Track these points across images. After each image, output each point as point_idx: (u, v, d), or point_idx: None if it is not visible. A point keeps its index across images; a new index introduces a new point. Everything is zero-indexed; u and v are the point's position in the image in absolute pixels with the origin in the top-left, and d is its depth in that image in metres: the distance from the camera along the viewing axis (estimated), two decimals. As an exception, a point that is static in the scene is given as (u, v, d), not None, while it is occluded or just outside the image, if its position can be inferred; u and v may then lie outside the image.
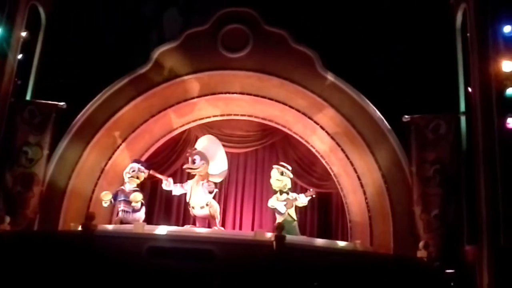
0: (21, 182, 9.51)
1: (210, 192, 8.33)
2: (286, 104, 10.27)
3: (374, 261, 7.63)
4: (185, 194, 9.38)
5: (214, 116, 10.90)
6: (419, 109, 9.58)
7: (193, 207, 8.50)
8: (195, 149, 8.73)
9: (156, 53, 10.25)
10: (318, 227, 10.54)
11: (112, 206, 9.22)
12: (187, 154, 8.70)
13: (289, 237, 6.84)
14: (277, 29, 10.17)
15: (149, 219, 9.38)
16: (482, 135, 8.81)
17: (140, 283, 6.36)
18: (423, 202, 8.95)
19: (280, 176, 9.08)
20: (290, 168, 9.28)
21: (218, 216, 8.68)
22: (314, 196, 9.14)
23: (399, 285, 7.43)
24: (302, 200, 8.95)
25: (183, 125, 10.91)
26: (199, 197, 8.35)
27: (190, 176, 9.11)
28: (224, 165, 8.79)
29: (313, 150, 10.55)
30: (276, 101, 10.31)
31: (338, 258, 7.16)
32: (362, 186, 9.76)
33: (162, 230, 7.61)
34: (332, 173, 10.35)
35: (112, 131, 10.23)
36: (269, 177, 9.99)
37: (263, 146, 10.99)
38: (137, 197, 8.39)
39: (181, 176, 11.03)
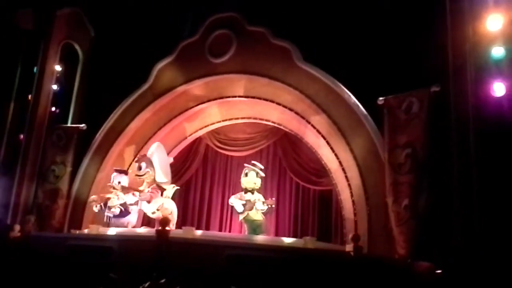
0: (49, 197, 10.88)
1: (148, 201, 8.48)
2: (273, 102, 10.02)
3: (312, 258, 7.02)
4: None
5: (218, 122, 11.12)
6: (406, 88, 8.54)
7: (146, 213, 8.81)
8: (144, 155, 9.03)
9: (156, 69, 10.90)
10: (319, 225, 9.97)
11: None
12: (135, 160, 9.05)
13: (175, 232, 6.79)
14: (257, 28, 10.05)
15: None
16: (454, 110, 7.58)
17: (59, 276, 6.97)
18: (394, 191, 7.94)
19: (256, 178, 8.84)
20: (262, 167, 9.02)
21: (174, 218, 8.80)
22: (273, 206, 8.63)
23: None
24: (260, 206, 8.52)
25: (192, 134, 11.32)
26: (151, 205, 8.60)
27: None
28: (168, 172, 8.88)
29: (309, 146, 10.03)
30: (265, 99, 10.13)
31: (255, 253, 6.80)
32: (347, 179, 8.99)
33: (112, 231, 8.11)
34: (327, 168, 9.72)
35: (126, 146, 11.11)
36: (273, 177, 9.97)
37: (266, 146, 10.84)
38: (114, 203, 8.97)
39: (195, 183, 11.51)
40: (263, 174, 8.95)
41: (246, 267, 6.51)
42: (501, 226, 6.80)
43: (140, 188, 8.70)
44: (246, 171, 8.84)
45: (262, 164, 10.44)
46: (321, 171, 9.88)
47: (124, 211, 9.28)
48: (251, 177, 8.80)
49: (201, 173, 11.43)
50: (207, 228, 10.93)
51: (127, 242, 6.96)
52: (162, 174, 8.64)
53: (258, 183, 8.84)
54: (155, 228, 7.53)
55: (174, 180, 10.82)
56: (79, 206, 10.86)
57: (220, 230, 10.75)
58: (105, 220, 9.34)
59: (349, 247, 6.97)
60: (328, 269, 6.58)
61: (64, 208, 10.76)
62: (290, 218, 10.35)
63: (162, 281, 5.65)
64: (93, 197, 9.43)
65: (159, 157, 8.74)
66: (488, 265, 6.76)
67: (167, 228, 6.67)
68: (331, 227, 9.80)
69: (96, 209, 9.40)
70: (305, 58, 9.51)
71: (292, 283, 6.59)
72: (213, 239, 7.23)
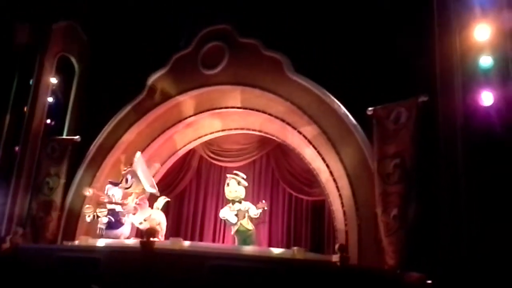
0: (42, 209, 10.87)
1: (133, 213, 8.49)
2: (265, 112, 10.04)
3: (297, 269, 6.97)
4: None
5: (211, 133, 11.14)
6: (396, 98, 8.54)
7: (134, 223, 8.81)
8: (129, 167, 9.04)
9: (150, 80, 10.96)
10: (312, 236, 9.95)
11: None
12: (122, 174, 9.06)
13: (163, 243, 6.77)
14: (248, 39, 10.10)
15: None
16: (442, 119, 7.57)
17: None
18: (383, 202, 7.90)
19: (237, 187, 8.89)
20: (245, 176, 9.04)
21: (162, 229, 8.80)
22: (266, 208, 8.71)
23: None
24: (253, 211, 8.61)
25: (186, 145, 11.34)
26: (137, 216, 8.60)
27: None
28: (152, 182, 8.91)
29: (301, 156, 10.02)
30: (257, 110, 10.15)
31: (240, 264, 6.76)
32: (338, 189, 8.97)
33: (101, 242, 8.11)
34: (318, 179, 9.69)
35: (120, 158, 11.08)
36: (266, 188, 9.98)
37: (260, 157, 10.86)
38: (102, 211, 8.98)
39: (189, 194, 11.52)
40: (245, 183, 8.99)
41: (230, 277, 6.46)
42: (489, 235, 6.74)
43: (129, 199, 8.68)
44: (228, 180, 8.89)
45: (255, 175, 10.59)
46: (313, 182, 9.88)
47: (117, 223, 9.27)
48: (232, 186, 8.90)
49: (195, 184, 11.45)
50: (201, 239, 10.91)
51: (113, 253, 6.97)
52: (146, 184, 8.63)
53: (240, 191, 8.92)
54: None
55: (168, 192, 10.94)
56: (72, 218, 10.85)
57: (214, 241, 10.73)
58: (98, 232, 9.34)
59: (336, 258, 6.90)
60: (314, 279, 6.51)
61: (58, 220, 10.74)
62: (283, 229, 10.34)
63: (144, 291, 5.61)
64: (87, 206, 9.41)
65: (141, 167, 8.74)
66: (477, 274, 6.68)
67: (152, 239, 6.63)
68: (324, 238, 9.74)
69: (88, 219, 9.39)
70: (295, 69, 9.51)
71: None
72: (198, 249, 7.20)
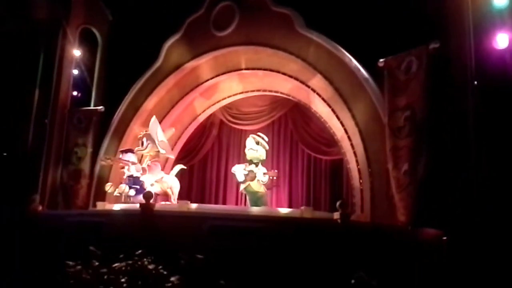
0: (72, 177, 11.25)
1: (142, 173, 8.57)
2: (279, 72, 9.82)
3: (297, 228, 6.87)
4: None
5: (229, 96, 11.04)
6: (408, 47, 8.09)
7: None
8: (146, 131, 9.10)
9: (165, 47, 10.93)
10: (331, 195, 9.77)
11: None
12: (139, 138, 9.14)
13: (160, 206, 6.83)
14: (258, -4, 9.83)
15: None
16: (453, 66, 7.12)
17: (56, 249, 7.25)
18: (394, 157, 7.60)
19: (255, 146, 8.81)
20: (266, 139, 8.92)
21: (174, 192, 8.85)
22: (275, 178, 8.57)
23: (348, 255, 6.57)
24: (261, 177, 8.49)
25: (205, 110, 11.31)
26: (147, 177, 8.71)
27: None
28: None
29: (317, 115, 9.76)
30: (271, 70, 9.94)
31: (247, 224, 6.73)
32: (353, 147, 8.70)
33: (116, 207, 8.31)
34: (335, 137, 9.44)
35: (142, 126, 11.22)
36: (285, 149, 9.91)
37: (278, 118, 10.69)
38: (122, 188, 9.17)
39: (211, 158, 11.55)
40: (265, 144, 8.85)
41: (231, 238, 6.44)
42: (500, 186, 6.33)
43: (144, 162, 8.82)
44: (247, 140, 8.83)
45: (274, 137, 10.44)
46: (331, 141, 9.64)
47: (141, 189, 9.37)
48: (249, 144, 8.84)
49: (216, 149, 11.46)
50: (224, 203, 10.96)
51: (116, 216, 7.09)
52: (160, 146, 8.72)
53: (260, 152, 8.83)
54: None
55: (191, 157, 10.99)
56: (102, 185, 11.09)
57: (237, 204, 10.74)
58: (123, 200, 9.52)
59: (337, 215, 6.72)
60: (314, 237, 6.39)
61: (87, 188, 11.05)
62: (303, 189, 10.22)
63: (138, 252, 5.69)
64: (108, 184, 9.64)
65: (157, 131, 8.81)
66: (487, 226, 6.34)
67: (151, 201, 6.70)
68: (343, 196, 9.52)
69: (116, 193, 9.58)
70: (305, 24, 9.18)
71: (277, 252, 6.47)
72: (199, 211, 7.21)
